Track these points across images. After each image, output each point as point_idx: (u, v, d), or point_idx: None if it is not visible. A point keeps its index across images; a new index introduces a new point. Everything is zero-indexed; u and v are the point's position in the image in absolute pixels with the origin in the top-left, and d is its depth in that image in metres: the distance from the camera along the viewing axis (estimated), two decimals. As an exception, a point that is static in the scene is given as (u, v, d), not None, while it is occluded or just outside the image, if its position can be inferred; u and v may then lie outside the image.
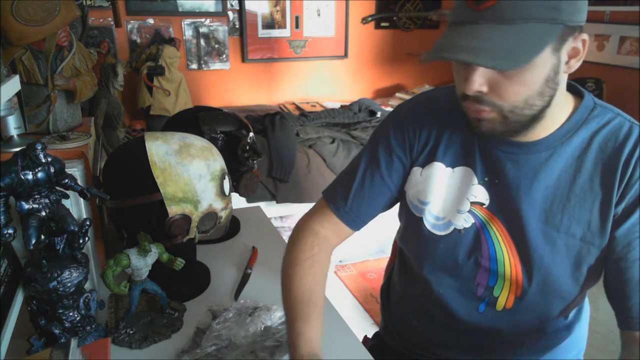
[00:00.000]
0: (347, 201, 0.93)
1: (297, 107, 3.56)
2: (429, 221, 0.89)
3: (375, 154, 0.93)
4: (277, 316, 0.94)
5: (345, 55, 3.91)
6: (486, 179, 0.84)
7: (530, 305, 0.85)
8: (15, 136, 1.05)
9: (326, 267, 0.91)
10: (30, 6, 1.03)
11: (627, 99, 2.81)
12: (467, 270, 0.87)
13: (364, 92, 3.99)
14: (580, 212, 0.78)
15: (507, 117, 0.74)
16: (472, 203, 0.85)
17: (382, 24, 3.95)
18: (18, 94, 0.99)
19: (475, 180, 0.85)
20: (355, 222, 0.94)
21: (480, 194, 0.85)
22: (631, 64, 2.87)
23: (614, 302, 0.78)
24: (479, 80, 0.71)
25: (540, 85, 0.71)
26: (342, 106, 3.51)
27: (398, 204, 0.98)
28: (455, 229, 0.87)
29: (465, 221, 0.86)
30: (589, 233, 0.78)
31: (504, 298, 0.86)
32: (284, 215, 2.86)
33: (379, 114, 3.25)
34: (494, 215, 0.84)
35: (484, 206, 0.85)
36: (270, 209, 2.74)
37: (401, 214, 0.98)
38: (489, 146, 0.84)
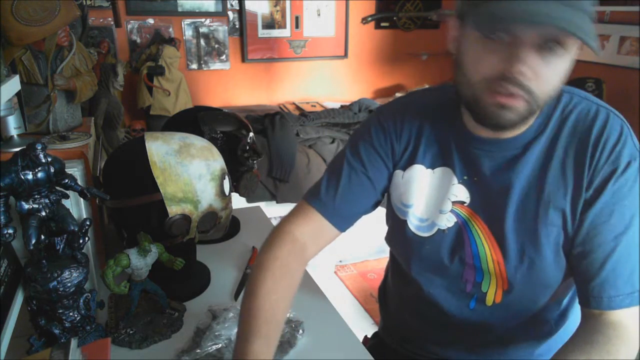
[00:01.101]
0: (334, 199, 0.90)
1: (297, 107, 3.56)
2: (413, 223, 0.90)
3: (358, 154, 0.91)
4: None
5: (345, 55, 3.91)
6: (465, 177, 0.85)
7: (519, 297, 0.85)
8: (15, 136, 1.05)
9: (297, 281, 0.86)
10: (30, 6, 1.03)
11: (627, 99, 2.81)
12: (454, 268, 0.88)
13: (364, 92, 3.99)
14: (555, 199, 0.78)
15: (531, 108, 0.71)
16: (454, 202, 0.86)
17: (382, 24, 3.96)
18: (18, 94, 0.99)
19: (455, 180, 0.85)
20: (343, 221, 0.91)
21: (460, 192, 0.85)
22: (631, 64, 2.87)
23: (577, 281, 0.80)
24: (529, 60, 0.66)
25: (562, 78, 0.71)
26: (342, 106, 3.52)
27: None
28: (439, 229, 0.88)
29: (447, 221, 0.87)
30: (564, 220, 0.78)
31: (492, 293, 0.87)
32: (284, 215, 2.86)
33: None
34: (475, 212, 0.85)
35: (466, 204, 0.85)
36: (270, 209, 2.74)
37: (387, 217, 0.98)
38: (466, 145, 0.84)
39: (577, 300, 0.94)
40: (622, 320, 0.74)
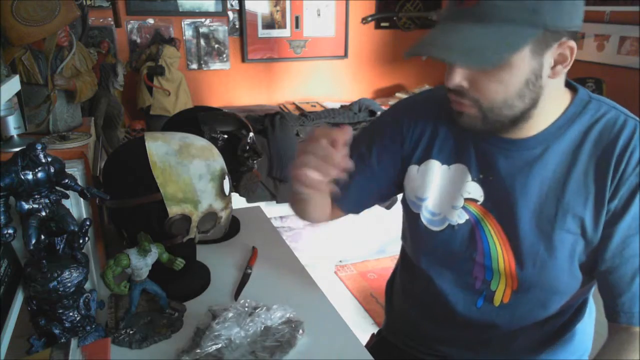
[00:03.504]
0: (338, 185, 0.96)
1: (297, 107, 3.56)
2: (425, 217, 0.91)
3: (369, 144, 0.96)
4: (277, 316, 0.94)
5: (345, 55, 3.91)
6: (481, 176, 0.85)
7: (528, 300, 0.85)
8: (15, 136, 1.05)
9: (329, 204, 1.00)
10: (30, 6, 1.03)
11: (627, 99, 2.80)
12: (463, 264, 0.88)
13: (364, 92, 3.99)
14: (575, 207, 0.78)
15: (486, 115, 0.75)
16: (466, 199, 0.86)
17: (382, 24, 3.95)
18: (18, 94, 0.98)
19: (469, 177, 0.86)
20: (346, 205, 1.00)
21: (474, 190, 0.85)
22: (631, 64, 2.87)
23: (605, 295, 0.79)
24: (459, 76, 0.73)
25: (519, 87, 0.72)
26: (342, 106, 3.52)
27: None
28: (449, 224, 0.88)
29: (459, 217, 0.87)
30: (582, 228, 0.78)
31: (500, 292, 0.87)
32: (284, 215, 2.86)
33: (378, 114, 3.25)
34: (488, 211, 0.85)
35: (479, 203, 0.85)
36: (270, 209, 2.73)
37: (403, 211, 0.99)
38: (484, 143, 0.84)
39: (585, 315, 0.93)
40: None
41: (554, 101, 0.79)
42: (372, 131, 0.97)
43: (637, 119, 0.79)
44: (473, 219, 0.86)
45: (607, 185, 0.75)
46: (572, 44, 0.71)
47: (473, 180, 0.85)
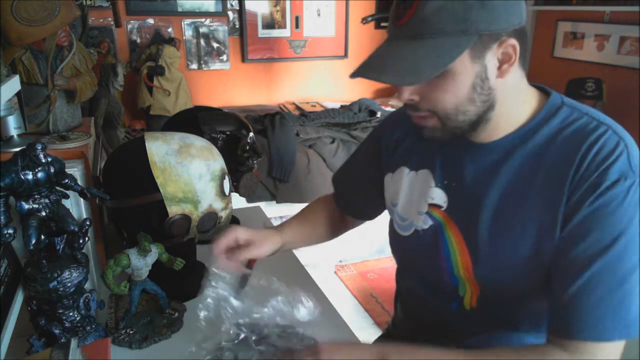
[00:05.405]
0: (337, 184, 1.11)
1: (297, 107, 3.56)
2: (396, 222, 0.93)
3: (357, 158, 1.07)
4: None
5: (345, 55, 3.91)
6: (445, 182, 0.84)
7: (494, 305, 0.84)
8: (15, 136, 1.05)
9: (332, 205, 1.10)
10: (30, 6, 1.03)
11: (627, 99, 2.81)
12: (432, 270, 0.88)
13: (364, 92, 3.99)
14: (536, 210, 0.74)
15: (444, 123, 0.76)
16: (431, 205, 0.86)
17: (382, 24, 3.96)
18: (18, 94, 0.98)
19: (433, 183, 0.86)
20: (343, 203, 1.09)
21: (438, 196, 0.85)
22: (631, 64, 2.87)
23: (548, 300, 0.77)
24: (407, 91, 0.74)
25: (467, 92, 0.72)
26: (342, 106, 3.52)
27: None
28: (415, 230, 0.89)
29: (424, 223, 0.87)
30: (543, 233, 0.74)
31: (468, 297, 0.86)
32: (284, 215, 2.86)
33: (379, 114, 3.25)
34: (450, 217, 0.84)
35: (442, 209, 0.85)
36: (270, 209, 2.74)
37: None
38: (453, 149, 0.83)
39: None
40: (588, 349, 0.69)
41: (519, 104, 0.77)
42: (363, 143, 1.07)
43: (611, 123, 0.75)
44: (437, 225, 0.85)
45: (565, 188, 0.71)
46: (513, 42, 0.70)
47: (437, 186, 0.85)
